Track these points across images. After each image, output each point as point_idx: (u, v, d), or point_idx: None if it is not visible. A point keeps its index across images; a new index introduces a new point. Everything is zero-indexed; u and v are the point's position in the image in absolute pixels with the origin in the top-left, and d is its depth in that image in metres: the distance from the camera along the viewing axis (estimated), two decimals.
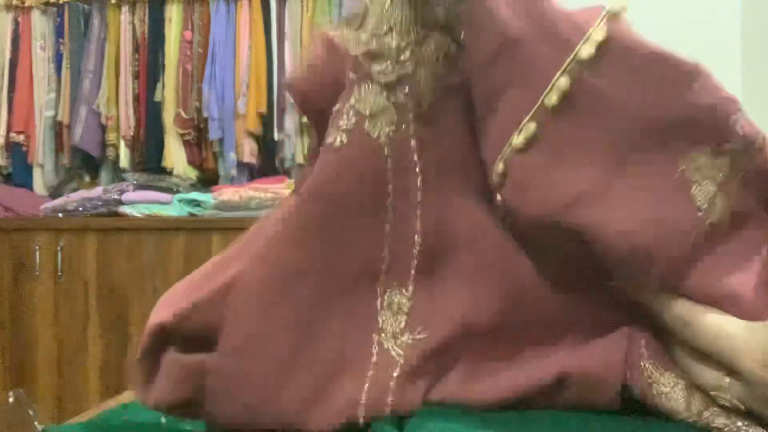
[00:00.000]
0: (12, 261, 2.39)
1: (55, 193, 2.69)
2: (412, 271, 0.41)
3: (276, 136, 2.52)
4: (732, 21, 2.41)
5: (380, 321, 0.41)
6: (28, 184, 2.68)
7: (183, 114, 2.53)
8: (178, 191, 2.50)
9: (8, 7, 2.69)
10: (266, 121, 2.52)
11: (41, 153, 2.66)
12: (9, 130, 2.66)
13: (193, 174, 2.59)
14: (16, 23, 2.70)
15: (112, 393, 1.88)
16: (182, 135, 2.55)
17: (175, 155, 2.56)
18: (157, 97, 2.57)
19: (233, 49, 2.54)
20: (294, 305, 0.40)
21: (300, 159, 2.54)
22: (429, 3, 0.41)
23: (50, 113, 2.66)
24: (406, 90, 0.40)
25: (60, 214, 2.43)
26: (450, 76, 0.40)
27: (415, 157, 0.40)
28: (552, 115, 0.37)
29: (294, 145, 2.53)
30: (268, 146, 2.54)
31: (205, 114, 2.52)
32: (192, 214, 2.38)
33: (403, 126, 0.40)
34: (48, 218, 2.43)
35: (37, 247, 2.37)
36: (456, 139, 0.41)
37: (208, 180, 2.63)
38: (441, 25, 0.40)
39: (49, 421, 0.42)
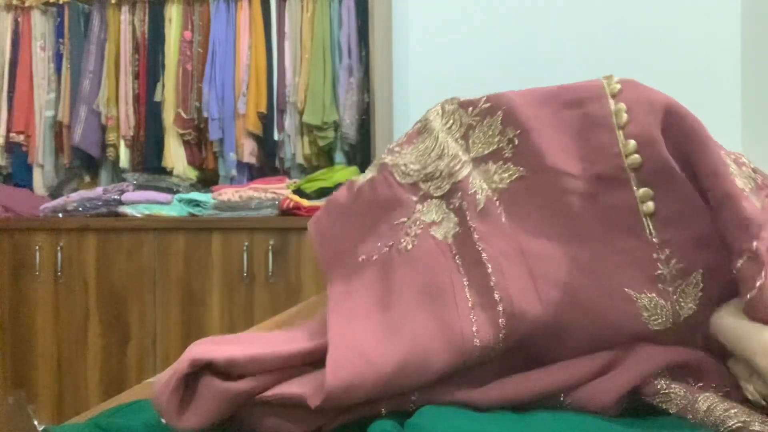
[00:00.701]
0: (12, 261, 2.39)
1: (55, 193, 2.70)
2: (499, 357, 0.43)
3: (276, 136, 2.52)
4: (732, 21, 2.41)
5: None
6: (28, 184, 2.68)
7: (183, 114, 2.54)
8: (178, 191, 2.50)
9: (8, 7, 2.69)
10: (266, 121, 2.52)
11: (41, 153, 2.66)
12: (9, 130, 2.66)
13: (193, 174, 2.59)
14: (16, 23, 2.70)
15: (112, 393, 1.88)
16: (182, 135, 2.55)
17: (175, 155, 2.56)
18: (157, 97, 2.57)
19: (233, 49, 2.54)
20: None
21: (300, 159, 2.54)
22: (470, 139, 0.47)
23: (50, 113, 2.66)
24: (459, 195, 0.46)
25: (60, 214, 2.43)
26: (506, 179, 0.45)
27: (480, 248, 0.43)
28: None
29: (294, 145, 2.53)
30: (268, 146, 2.54)
31: (205, 114, 2.52)
32: (192, 214, 2.39)
33: (465, 224, 0.45)
34: (48, 218, 2.43)
35: (37, 247, 2.37)
36: (522, 237, 0.44)
37: (208, 180, 2.63)
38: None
39: (49, 421, 0.42)
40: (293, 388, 0.39)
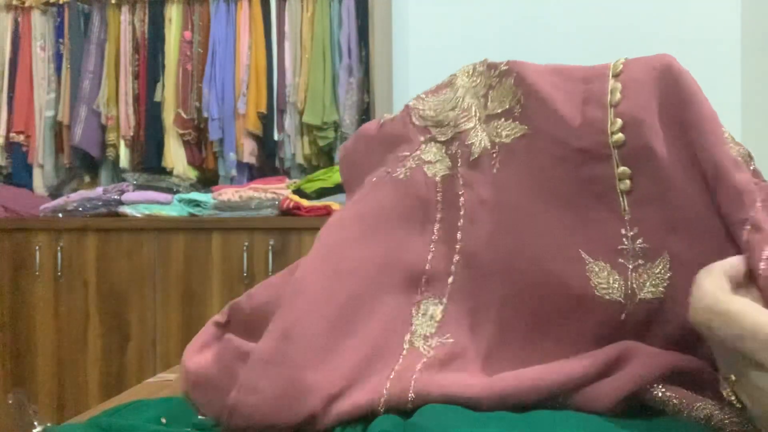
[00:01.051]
0: (12, 261, 2.40)
1: (55, 193, 2.70)
2: (448, 288, 0.48)
3: (276, 136, 2.52)
4: (732, 21, 2.41)
5: (413, 324, 0.47)
6: (28, 184, 2.68)
7: (183, 114, 2.54)
8: (178, 191, 2.50)
9: (8, 7, 2.70)
10: (266, 121, 2.52)
11: (41, 153, 2.66)
12: (9, 130, 2.67)
13: (193, 174, 2.59)
14: (16, 23, 2.70)
15: (112, 393, 1.88)
16: (182, 135, 2.55)
17: (175, 155, 2.56)
18: (157, 97, 2.57)
19: (233, 49, 2.54)
20: (340, 300, 0.45)
21: (300, 159, 2.54)
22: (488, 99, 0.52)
23: (50, 113, 2.66)
24: (457, 144, 0.52)
25: (60, 214, 2.43)
26: (509, 140, 0.49)
27: (461, 192, 0.49)
28: None
29: (294, 145, 2.53)
30: (268, 146, 2.54)
31: (205, 114, 2.52)
32: (192, 214, 2.39)
33: (455, 170, 0.51)
34: (48, 218, 2.43)
35: (37, 247, 2.37)
36: (505, 187, 0.48)
37: (208, 180, 2.63)
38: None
39: (49, 421, 0.42)
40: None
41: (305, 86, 2.51)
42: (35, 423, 0.40)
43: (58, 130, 2.67)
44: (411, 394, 0.41)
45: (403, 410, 0.41)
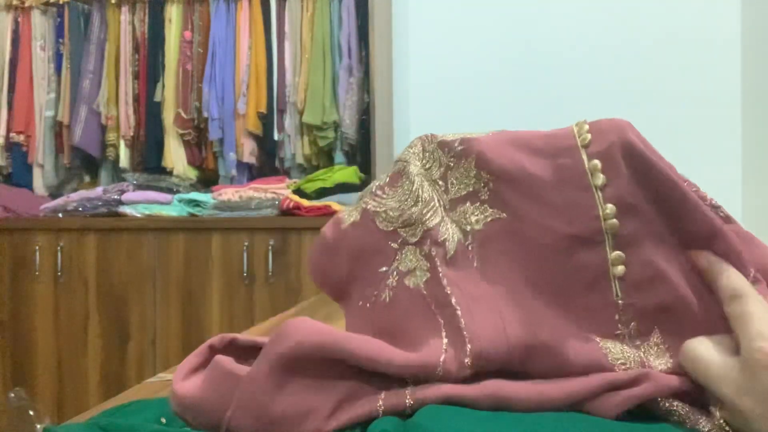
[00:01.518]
0: (12, 261, 2.40)
1: (55, 193, 2.70)
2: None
3: (276, 136, 2.52)
4: (732, 21, 2.41)
5: None
6: (28, 184, 2.69)
7: (183, 114, 2.54)
8: (178, 191, 2.50)
9: (8, 7, 2.70)
10: (266, 121, 2.52)
11: (41, 153, 2.66)
12: (9, 130, 2.67)
13: (193, 174, 2.59)
14: (16, 23, 2.70)
15: (112, 393, 1.88)
16: (182, 135, 2.55)
17: (175, 155, 2.56)
18: (157, 97, 2.57)
19: (233, 49, 2.54)
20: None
21: (300, 159, 2.54)
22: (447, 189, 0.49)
23: (50, 113, 2.66)
24: (429, 242, 0.48)
25: (60, 214, 2.43)
26: (481, 224, 0.47)
27: (449, 292, 0.45)
28: None
29: (294, 145, 2.54)
30: (268, 146, 2.54)
31: (205, 114, 2.52)
32: (192, 214, 2.39)
33: (435, 271, 0.47)
34: (48, 218, 2.43)
35: (37, 247, 2.37)
36: (492, 281, 0.46)
37: (208, 180, 2.63)
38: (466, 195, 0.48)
39: (49, 421, 0.42)
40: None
41: (305, 86, 2.51)
42: (35, 423, 0.40)
43: (58, 130, 2.67)
44: (409, 400, 0.41)
45: (402, 413, 0.41)
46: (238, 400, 0.40)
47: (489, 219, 0.46)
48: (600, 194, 0.43)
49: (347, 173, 2.44)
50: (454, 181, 0.49)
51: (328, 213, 2.26)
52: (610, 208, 0.42)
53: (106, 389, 2.32)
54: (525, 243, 0.45)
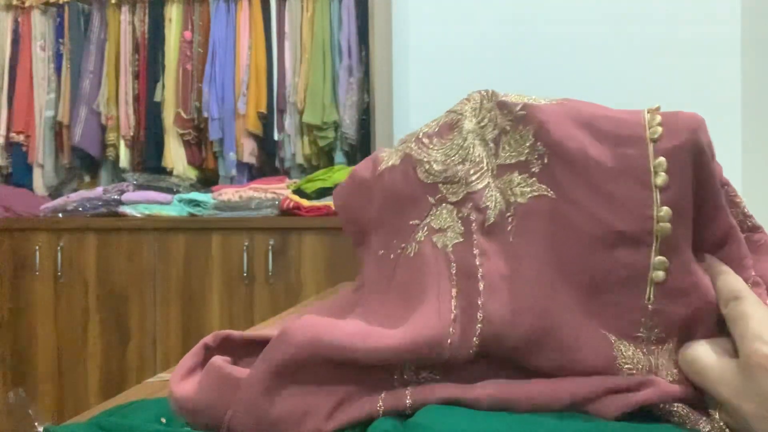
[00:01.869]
0: (12, 261, 2.40)
1: (55, 193, 2.70)
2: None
3: (276, 136, 2.52)
4: (732, 21, 2.41)
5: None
6: (28, 184, 2.68)
7: (183, 114, 2.54)
8: (178, 191, 2.50)
9: (8, 7, 2.70)
10: (266, 121, 2.52)
11: (41, 153, 2.66)
12: (9, 130, 2.67)
13: (193, 174, 2.59)
14: (16, 23, 2.70)
15: (112, 393, 1.88)
16: (182, 135, 2.55)
17: (175, 155, 2.56)
18: (157, 97, 2.57)
19: (233, 49, 2.54)
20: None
21: (300, 159, 2.54)
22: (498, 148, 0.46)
23: (50, 113, 2.66)
24: (470, 206, 0.45)
25: (60, 214, 2.43)
26: (530, 200, 0.44)
27: (478, 263, 0.43)
28: None
29: (294, 145, 2.53)
30: (268, 146, 2.54)
31: (205, 114, 2.52)
32: (192, 214, 2.39)
33: (469, 237, 0.45)
34: (48, 218, 2.43)
35: (37, 247, 2.37)
36: (522, 259, 0.43)
37: (208, 180, 2.63)
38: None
39: (49, 421, 0.42)
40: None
41: (305, 86, 2.51)
42: (35, 423, 0.40)
43: (58, 130, 2.67)
44: (409, 400, 0.41)
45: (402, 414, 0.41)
46: (237, 403, 0.40)
47: (536, 194, 0.44)
48: (658, 195, 0.40)
49: (347, 173, 2.43)
50: (507, 147, 0.46)
51: (328, 213, 2.26)
52: (665, 210, 0.40)
53: (106, 389, 2.32)
54: (568, 228, 0.43)
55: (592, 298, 0.42)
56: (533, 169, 0.45)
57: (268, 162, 2.58)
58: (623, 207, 0.41)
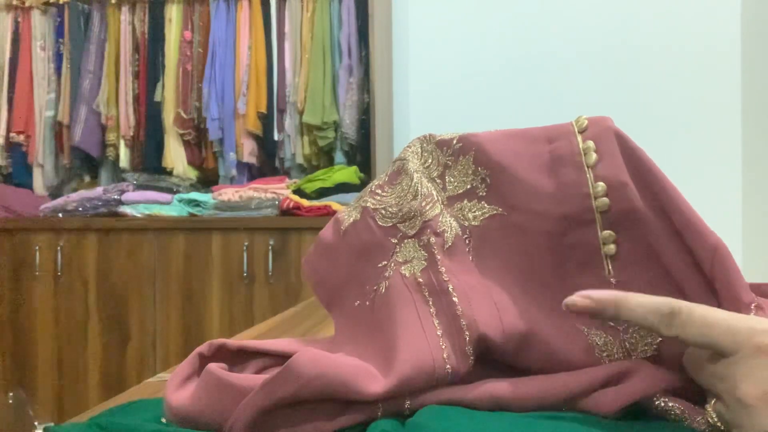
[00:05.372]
0: (12, 261, 2.40)
1: (55, 193, 2.70)
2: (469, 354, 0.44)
3: (276, 136, 2.52)
4: (732, 21, 2.41)
5: None
6: (28, 184, 2.69)
7: (183, 114, 2.54)
8: (178, 191, 2.50)
9: (8, 7, 2.70)
10: (266, 121, 2.52)
11: (41, 153, 2.66)
12: (9, 130, 2.67)
13: (193, 174, 2.59)
14: (16, 23, 2.70)
15: (112, 393, 1.88)
16: (182, 135, 2.55)
17: (175, 155, 2.56)
18: (157, 97, 2.57)
19: (233, 49, 2.54)
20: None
21: (300, 159, 2.54)
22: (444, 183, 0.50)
23: (50, 113, 2.67)
24: (428, 232, 0.48)
25: (60, 214, 2.43)
26: (479, 218, 0.47)
27: (446, 279, 0.45)
28: None
29: (294, 145, 2.54)
30: (268, 146, 2.54)
31: (205, 114, 2.52)
32: (192, 214, 2.39)
33: (433, 259, 0.47)
34: (48, 218, 2.43)
35: (37, 247, 2.37)
36: (486, 273, 0.46)
37: (208, 180, 2.63)
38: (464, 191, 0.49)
39: (49, 421, 0.42)
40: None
41: (305, 86, 2.51)
42: (35, 423, 0.40)
43: (58, 130, 2.67)
44: (408, 402, 0.41)
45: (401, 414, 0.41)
46: (237, 416, 0.40)
47: (486, 215, 0.47)
48: (591, 173, 0.43)
49: (347, 173, 2.44)
50: (452, 179, 0.49)
51: (328, 213, 2.26)
52: (600, 186, 0.43)
53: (106, 389, 2.32)
54: (521, 234, 0.45)
55: (560, 291, 0.43)
56: (480, 194, 0.48)
57: (268, 162, 2.58)
58: (563, 193, 0.44)
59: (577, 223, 0.43)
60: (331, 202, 2.31)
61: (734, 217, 2.39)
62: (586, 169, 0.43)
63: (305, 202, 2.32)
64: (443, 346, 0.42)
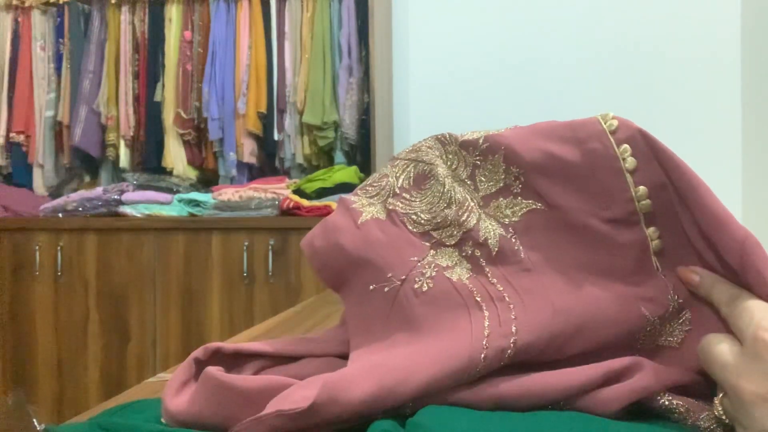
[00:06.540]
0: (12, 261, 2.40)
1: (55, 193, 2.70)
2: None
3: (276, 136, 2.52)
4: (731, 23, 2.41)
5: None
6: (28, 184, 2.68)
7: (183, 114, 2.54)
8: (178, 191, 2.50)
9: (8, 7, 2.70)
10: (266, 121, 2.52)
11: (41, 153, 2.66)
12: (9, 130, 2.67)
13: (193, 174, 2.59)
14: (16, 23, 2.70)
15: (112, 393, 1.88)
16: (182, 135, 2.55)
17: (175, 155, 2.56)
18: (157, 97, 2.57)
19: (233, 49, 2.54)
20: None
21: (300, 159, 2.54)
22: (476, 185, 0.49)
23: (50, 113, 2.66)
24: (470, 243, 0.48)
25: (60, 214, 2.43)
26: (521, 217, 0.48)
27: (501, 289, 0.46)
28: None
29: (294, 145, 2.54)
30: (268, 146, 2.54)
31: (205, 114, 2.52)
32: (192, 214, 2.39)
33: (480, 269, 0.47)
34: (48, 218, 2.43)
35: (37, 247, 2.37)
36: (541, 269, 0.46)
37: (208, 180, 2.63)
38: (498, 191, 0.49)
39: (49, 421, 0.42)
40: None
41: (305, 86, 2.51)
42: (35, 423, 0.40)
43: (58, 130, 2.67)
44: (409, 402, 0.41)
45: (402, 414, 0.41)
46: (247, 426, 0.40)
47: (525, 210, 0.47)
48: (630, 178, 0.44)
49: (347, 173, 2.44)
50: (483, 179, 0.49)
51: (329, 213, 2.25)
52: (642, 190, 0.44)
53: (106, 389, 2.32)
54: (568, 229, 0.46)
55: (616, 286, 0.45)
56: (515, 191, 0.48)
57: (268, 162, 2.58)
58: (604, 197, 0.45)
59: (626, 225, 0.45)
60: (331, 202, 2.31)
61: (734, 214, 2.38)
62: (626, 174, 0.44)
63: (305, 202, 2.32)
64: (485, 345, 0.42)
